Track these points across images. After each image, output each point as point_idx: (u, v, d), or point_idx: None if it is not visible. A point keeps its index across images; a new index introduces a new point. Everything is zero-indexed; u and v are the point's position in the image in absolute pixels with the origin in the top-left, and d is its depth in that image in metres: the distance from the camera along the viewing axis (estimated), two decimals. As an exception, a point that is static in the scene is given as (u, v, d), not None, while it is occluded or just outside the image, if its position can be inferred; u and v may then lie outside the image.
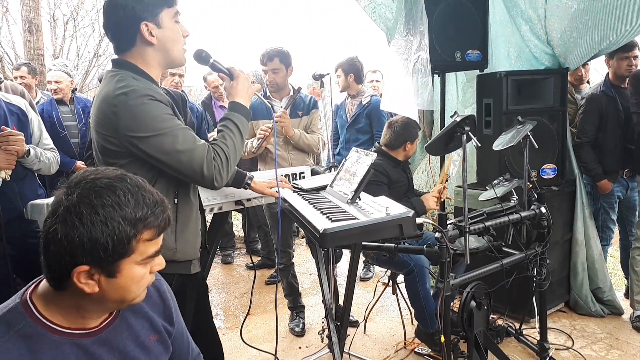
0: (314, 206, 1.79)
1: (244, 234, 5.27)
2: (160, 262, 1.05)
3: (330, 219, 1.59)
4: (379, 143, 3.07)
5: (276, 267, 4.18)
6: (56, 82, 3.85)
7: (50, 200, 1.90)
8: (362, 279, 4.19)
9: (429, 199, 2.74)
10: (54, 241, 0.91)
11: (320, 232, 1.49)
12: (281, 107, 3.12)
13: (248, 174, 2.03)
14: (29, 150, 2.18)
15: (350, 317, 3.25)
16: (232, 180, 1.95)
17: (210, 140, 1.60)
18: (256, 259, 4.77)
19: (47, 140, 2.38)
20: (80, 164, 3.74)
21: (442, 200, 2.92)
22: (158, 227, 0.99)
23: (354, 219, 1.57)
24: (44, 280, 1.01)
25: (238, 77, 1.68)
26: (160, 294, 1.20)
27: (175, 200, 1.56)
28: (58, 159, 2.38)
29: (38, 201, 1.95)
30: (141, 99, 1.44)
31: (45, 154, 2.29)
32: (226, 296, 4.05)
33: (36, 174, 2.34)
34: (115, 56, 1.59)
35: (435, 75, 3.38)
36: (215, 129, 1.69)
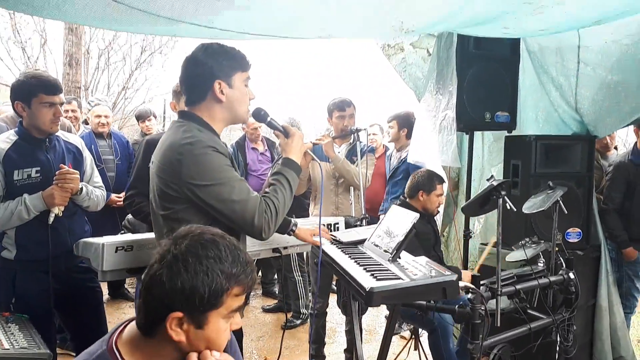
0: (355, 262, 1.85)
1: (261, 275, 5.30)
2: (238, 322, 1.11)
3: (375, 277, 1.64)
4: (403, 195, 3.17)
5: (301, 314, 4.20)
6: (105, 116, 4.04)
7: (105, 239, 1.99)
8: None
9: (466, 275, 2.81)
10: (157, 284, 1.00)
11: (367, 290, 1.55)
12: (339, 151, 3.24)
13: (293, 220, 2.11)
14: (81, 188, 2.29)
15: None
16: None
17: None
18: (272, 301, 4.79)
19: (97, 178, 2.49)
20: (114, 196, 3.86)
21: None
22: (246, 285, 1.07)
23: (399, 278, 1.63)
24: (130, 326, 1.07)
25: (293, 135, 1.79)
26: (231, 344, 1.25)
27: None
28: (105, 197, 2.49)
29: (91, 240, 2.03)
30: (205, 150, 1.56)
31: (94, 191, 2.39)
32: (243, 339, 4.05)
33: (84, 211, 2.44)
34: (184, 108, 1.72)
35: (464, 133, 3.48)
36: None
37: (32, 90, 2.19)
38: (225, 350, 1.23)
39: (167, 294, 0.98)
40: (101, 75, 11.06)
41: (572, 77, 3.26)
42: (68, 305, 2.33)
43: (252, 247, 2.20)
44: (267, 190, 1.68)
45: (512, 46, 3.30)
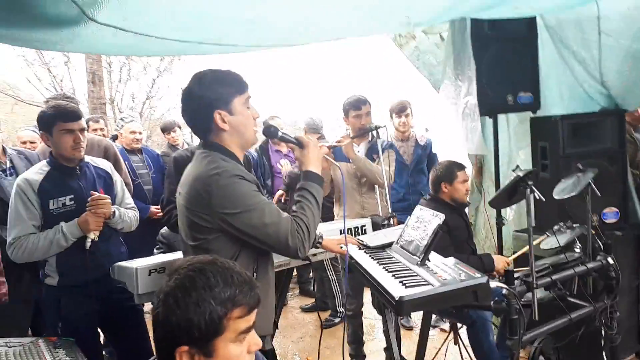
0: (384, 268, 1.85)
1: (296, 275, 5.34)
2: (257, 342, 1.13)
3: (405, 284, 1.64)
4: (430, 193, 3.14)
5: (339, 313, 4.23)
6: (140, 132, 4.17)
7: (138, 262, 2.05)
8: (406, 328, 4.08)
9: (500, 261, 2.77)
10: (157, 323, 1.04)
11: (397, 299, 1.55)
12: (358, 151, 3.23)
13: (318, 232, 2.12)
14: (114, 212, 2.36)
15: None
16: None
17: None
18: (310, 300, 4.83)
19: (129, 199, 2.57)
20: (154, 208, 3.96)
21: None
22: (247, 305, 1.07)
23: (428, 284, 1.62)
24: None
25: (307, 145, 1.77)
26: None
27: (255, 275, 1.66)
28: (138, 217, 2.55)
29: (124, 264, 2.09)
30: (232, 179, 1.58)
31: (127, 213, 2.46)
32: (283, 340, 4.10)
33: (119, 233, 2.52)
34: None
35: (487, 117, 3.41)
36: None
37: (51, 120, 2.28)
38: None
39: (167, 331, 1.02)
40: (125, 88, 11.29)
41: (594, 49, 3.13)
42: (112, 326, 2.43)
43: (281, 257, 2.22)
44: (294, 209, 1.68)
45: (528, 24, 3.19)
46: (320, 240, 2.10)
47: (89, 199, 2.28)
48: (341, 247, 2.13)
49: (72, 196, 2.31)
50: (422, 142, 4.14)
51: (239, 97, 1.68)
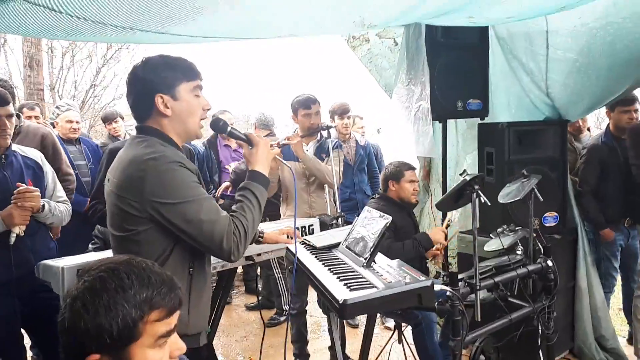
0: (329, 270, 1.81)
1: (242, 272, 5.24)
2: (180, 347, 1.04)
3: (349, 287, 1.60)
4: (379, 191, 3.16)
5: (284, 311, 4.17)
6: (77, 122, 3.92)
7: (65, 261, 1.90)
8: (351, 325, 4.06)
9: (436, 233, 2.79)
10: (63, 331, 0.93)
11: (340, 302, 1.50)
12: (307, 150, 3.19)
13: (259, 229, 2.04)
14: (43, 205, 2.19)
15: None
16: None
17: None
18: (255, 299, 4.74)
19: (60, 192, 2.39)
20: None
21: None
22: (166, 307, 0.99)
23: (373, 287, 1.59)
24: None
25: (257, 144, 1.68)
26: None
27: (191, 270, 1.56)
28: (70, 211, 2.39)
29: (50, 262, 1.93)
30: (170, 165, 1.46)
31: (58, 207, 2.30)
32: (226, 339, 4.01)
33: (48, 228, 2.34)
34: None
35: (437, 122, 3.46)
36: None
37: None
38: None
39: (75, 339, 0.92)
40: (67, 74, 10.74)
41: (542, 62, 3.25)
42: (37, 327, 2.25)
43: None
44: (234, 208, 1.57)
45: (480, 33, 3.27)
46: (261, 235, 2.03)
47: (15, 191, 2.10)
48: (287, 237, 2.08)
49: None
50: (362, 143, 4.21)
51: (186, 84, 1.58)
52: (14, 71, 9.82)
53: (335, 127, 3.10)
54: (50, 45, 10.34)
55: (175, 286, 1.02)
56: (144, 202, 1.46)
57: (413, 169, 3.17)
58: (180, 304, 1.02)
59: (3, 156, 2.18)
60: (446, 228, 3.07)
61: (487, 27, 3.22)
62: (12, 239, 2.10)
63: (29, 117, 4.28)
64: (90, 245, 3.33)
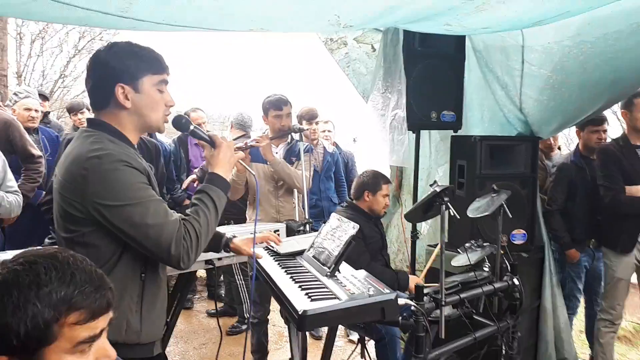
0: (291, 278, 1.72)
1: (206, 277, 5.09)
2: (109, 355, 0.92)
3: (310, 297, 1.51)
4: (350, 197, 3.08)
5: (246, 320, 4.05)
6: (36, 110, 3.72)
7: (6, 254, 1.75)
8: (314, 337, 3.92)
9: (413, 281, 2.77)
10: None
11: (300, 313, 1.41)
12: (276, 152, 3.09)
13: (226, 235, 1.92)
14: (-13, 195, 2.03)
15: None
16: (207, 246, 1.79)
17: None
18: (218, 305, 4.59)
19: (11, 182, 2.24)
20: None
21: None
22: (89, 309, 0.87)
23: (335, 298, 1.50)
24: None
25: (220, 145, 1.58)
26: None
27: (143, 276, 1.44)
28: (20, 203, 2.24)
29: (-10, 256, 1.78)
30: (115, 164, 1.34)
31: (7, 197, 2.14)
32: (184, 346, 3.85)
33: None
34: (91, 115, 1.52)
35: (410, 132, 3.42)
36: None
37: None
38: None
39: None
40: (36, 62, 10.36)
41: (517, 76, 3.24)
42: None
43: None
44: (188, 212, 1.47)
45: (457, 44, 3.25)
46: (228, 243, 1.91)
47: None
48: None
49: None
50: (330, 150, 4.14)
51: (151, 77, 1.47)
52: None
53: (307, 129, 3.00)
54: (19, 31, 9.95)
55: (105, 286, 0.91)
56: (86, 203, 1.35)
57: (389, 182, 3.12)
58: (109, 306, 0.91)
59: None
60: (411, 239, 3.03)
61: (464, 38, 3.20)
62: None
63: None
64: (46, 240, 3.15)
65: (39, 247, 0.92)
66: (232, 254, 2.13)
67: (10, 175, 2.28)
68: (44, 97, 4.60)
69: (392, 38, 3.20)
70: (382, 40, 3.27)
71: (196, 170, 4.15)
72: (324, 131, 4.65)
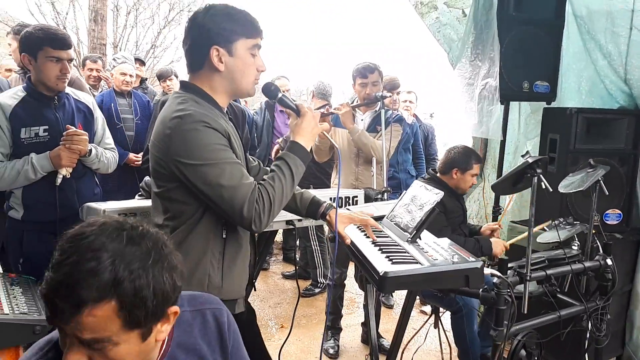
0: (371, 241, 1.72)
1: (282, 241, 5.25)
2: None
3: (391, 260, 1.51)
4: (433, 170, 2.99)
5: (319, 283, 4.16)
6: (130, 75, 3.97)
7: (108, 205, 1.90)
8: (386, 305, 3.99)
9: (498, 245, 2.63)
10: None
11: (380, 274, 1.42)
12: (362, 120, 3.06)
13: (325, 204, 1.79)
14: (90, 150, 2.20)
15: (382, 342, 3.16)
16: (305, 211, 1.81)
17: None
18: (292, 268, 4.73)
19: (109, 139, 2.40)
20: (132, 156, 3.81)
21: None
22: None
23: (417, 262, 1.49)
24: None
25: (305, 114, 1.58)
26: (219, 325, 1.14)
27: (224, 232, 1.50)
28: (117, 159, 2.40)
29: (94, 205, 1.94)
30: (194, 125, 1.39)
31: (105, 153, 2.31)
32: (260, 305, 4.02)
33: (94, 173, 2.36)
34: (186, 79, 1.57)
35: (498, 103, 3.25)
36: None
37: (38, 43, 2.08)
38: (209, 330, 1.13)
39: None
40: (130, 33, 10.99)
41: (622, 44, 2.96)
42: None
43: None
44: (265, 177, 1.50)
45: (556, 9, 3.02)
46: (327, 212, 1.76)
47: (64, 133, 2.12)
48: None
49: (46, 127, 2.14)
50: (409, 121, 4.01)
51: (245, 41, 1.49)
52: (81, 27, 10.11)
53: (390, 96, 2.94)
54: (117, 3, 10.57)
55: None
56: (168, 161, 1.42)
57: (480, 161, 2.96)
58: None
59: (56, 97, 2.19)
60: (492, 214, 2.91)
61: (564, 2, 2.98)
62: (59, 180, 2.13)
63: (91, 70, 4.40)
64: (137, 197, 3.39)
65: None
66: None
67: (108, 133, 2.44)
68: (141, 62, 4.88)
69: (484, 2, 3.04)
70: (474, 4, 3.11)
71: (279, 140, 4.23)
72: (406, 101, 4.55)
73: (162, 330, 0.93)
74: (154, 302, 0.87)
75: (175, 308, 0.93)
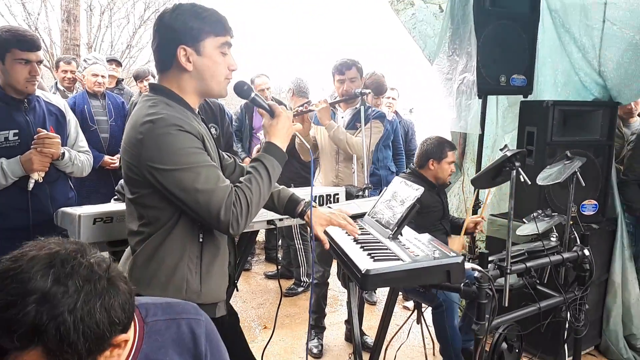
0: (353, 239, 1.71)
1: (264, 240, 5.21)
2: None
3: (373, 257, 1.50)
4: (413, 164, 3.01)
5: (302, 283, 4.14)
6: (102, 76, 3.88)
7: (83, 209, 1.85)
8: (369, 302, 3.99)
9: (455, 242, 2.66)
10: None
11: (363, 272, 1.40)
12: (342, 117, 3.06)
13: (304, 202, 1.78)
14: (63, 153, 2.14)
15: (366, 340, 3.16)
16: (283, 209, 1.79)
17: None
18: (275, 268, 4.71)
19: (83, 142, 2.35)
20: (107, 158, 3.73)
21: (476, 233, 2.82)
22: None
23: (398, 259, 1.48)
24: None
25: (279, 115, 1.55)
26: (195, 337, 1.11)
27: (201, 238, 1.47)
28: (91, 162, 2.35)
29: (69, 210, 1.88)
30: (167, 129, 1.35)
31: (79, 156, 2.25)
32: (242, 306, 3.99)
33: (68, 177, 2.31)
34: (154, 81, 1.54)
35: (476, 97, 3.28)
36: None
37: (6, 45, 2.02)
38: (184, 342, 1.10)
39: None
40: (105, 33, 10.77)
41: (596, 37, 3.01)
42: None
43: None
44: (241, 179, 1.46)
45: (532, 3, 3.07)
46: (305, 211, 1.75)
47: (35, 136, 2.06)
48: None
49: (16, 131, 2.08)
50: (389, 117, 4.02)
51: (214, 39, 1.45)
52: (54, 27, 9.88)
53: (369, 93, 2.92)
54: (90, 3, 10.34)
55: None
56: (141, 167, 1.37)
57: (455, 149, 3.00)
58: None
59: (26, 101, 2.13)
60: (473, 208, 2.93)
61: (539, -3, 3.00)
62: (31, 185, 2.07)
63: (65, 71, 4.30)
64: (112, 201, 3.32)
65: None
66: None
67: (81, 136, 2.38)
68: (117, 63, 4.77)
69: (460, -2, 3.05)
70: (450, 0, 3.12)
71: (261, 140, 4.21)
72: (389, 98, 4.55)
73: (114, 356, 0.89)
74: (86, 344, 0.81)
75: (124, 336, 0.88)
